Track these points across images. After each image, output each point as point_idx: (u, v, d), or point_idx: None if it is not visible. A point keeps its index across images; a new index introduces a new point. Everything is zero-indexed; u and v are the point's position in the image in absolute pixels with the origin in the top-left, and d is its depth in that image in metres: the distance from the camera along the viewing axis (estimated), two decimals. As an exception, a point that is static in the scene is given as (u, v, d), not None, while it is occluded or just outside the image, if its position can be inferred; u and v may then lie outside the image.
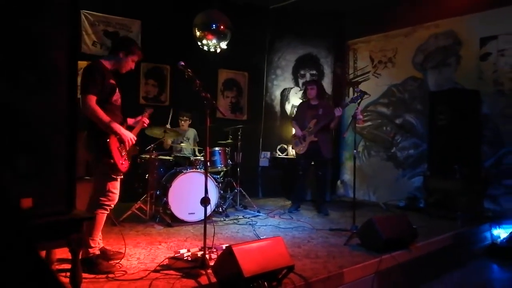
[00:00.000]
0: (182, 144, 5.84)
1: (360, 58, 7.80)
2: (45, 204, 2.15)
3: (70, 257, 2.37)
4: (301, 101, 7.67)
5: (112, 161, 3.09)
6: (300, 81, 7.84)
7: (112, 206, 3.26)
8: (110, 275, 2.94)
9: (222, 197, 5.60)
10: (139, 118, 3.66)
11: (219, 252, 3.06)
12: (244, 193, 6.02)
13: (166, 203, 4.76)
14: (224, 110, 6.93)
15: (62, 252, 2.81)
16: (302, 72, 7.85)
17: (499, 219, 5.35)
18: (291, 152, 7.37)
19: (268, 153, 7.51)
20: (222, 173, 5.91)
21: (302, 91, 7.74)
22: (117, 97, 3.29)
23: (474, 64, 6.07)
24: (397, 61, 7.17)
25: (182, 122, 6.04)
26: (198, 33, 5.86)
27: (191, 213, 4.80)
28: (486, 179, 5.74)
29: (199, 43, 5.93)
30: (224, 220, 5.12)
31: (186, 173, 4.87)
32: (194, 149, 6.03)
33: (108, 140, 3.09)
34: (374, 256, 3.59)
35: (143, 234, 4.27)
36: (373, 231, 3.76)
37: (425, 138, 6.56)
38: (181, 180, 4.81)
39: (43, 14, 2.15)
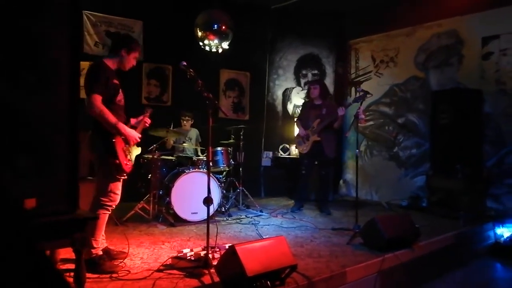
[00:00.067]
0: (184, 144, 5.85)
1: (362, 58, 7.80)
2: (47, 203, 2.15)
3: (73, 257, 2.38)
4: (303, 100, 7.69)
5: (117, 161, 3.10)
6: (302, 81, 7.85)
7: (114, 206, 3.26)
8: (114, 275, 2.95)
9: (224, 197, 5.60)
10: (140, 118, 3.66)
11: (222, 252, 3.07)
12: (246, 192, 6.02)
13: (169, 203, 4.77)
14: (226, 110, 6.93)
15: (66, 252, 2.81)
16: (304, 72, 7.85)
17: (502, 218, 5.34)
18: (293, 151, 7.37)
19: (270, 153, 7.51)
20: (224, 173, 5.92)
21: (304, 91, 7.76)
22: (120, 97, 3.29)
23: (476, 64, 6.06)
24: (399, 61, 7.16)
25: (184, 122, 6.04)
26: (199, 33, 5.87)
27: (194, 213, 4.81)
28: (488, 178, 5.74)
29: (200, 43, 5.94)
30: (227, 219, 5.12)
31: (188, 173, 4.88)
32: (196, 149, 6.04)
33: (114, 140, 3.09)
34: (377, 256, 3.58)
35: (146, 233, 4.28)
36: (376, 230, 3.76)
37: (427, 137, 6.55)
38: (183, 180, 4.82)
39: (43, 14, 2.15)
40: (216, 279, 2.80)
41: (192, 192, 4.77)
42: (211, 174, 3.86)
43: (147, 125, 3.71)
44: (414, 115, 6.89)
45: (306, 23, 7.59)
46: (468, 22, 6.16)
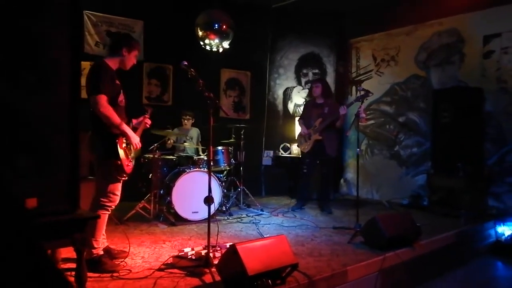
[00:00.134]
0: (185, 143, 5.85)
1: (363, 57, 7.79)
2: (48, 203, 2.16)
3: (75, 256, 2.38)
4: (303, 100, 7.70)
5: (119, 162, 3.09)
6: (303, 80, 7.84)
7: (113, 207, 3.26)
8: (115, 274, 2.95)
9: (225, 196, 5.61)
10: (141, 118, 3.65)
11: (223, 251, 3.07)
12: (247, 191, 6.03)
13: (170, 202, 4.77)
14: (227, 110, 6.93)
15: (67, 252, 2.82)
16: (304, 71, 7.85)
17: (503, 217, 5.33)
18: (294, 150, 7.37)
19: (271, 152, 7.51)
20: (225, 172, 5.92)
21: (304, 90, 7.77)
22: (122, 98, 3.29)
23: (478, 62, 6.05)
24: (400, 59, 7.15)
25: (185, 121, 6.05)
26: (200, 33, 5.86)
27: (194, 212, 4.82)
28: (489, 177, 5.73)
29: (201, 43, 5.94)
30: (228, 218, 5.13)
31: (189, 172, 4.89)
32: (197, 148, 6.04)
33: (116, 141, 3.09)
34: (378, 254, 3.58)
35: (147, 233, 4.29)
36: (377, 229, 3.76)
37: (428, 136, 6.55)
38: (184, 179, 4.83)
39: (43, 14, 2.15)
40: (217, 278, 2.81)
41: (193, 192, 4.78)
42: (212, 173, 3.86)
43: (148, 125, 3.71)
44: (415, 113, 6.88)
45: (307, 22, 7.59)
46: (470, 20, 6.15)
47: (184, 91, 6.55)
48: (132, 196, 4.91)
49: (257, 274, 2.56)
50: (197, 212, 4.81)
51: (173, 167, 5.39)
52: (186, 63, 3.36)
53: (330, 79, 7.72)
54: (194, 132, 6.17)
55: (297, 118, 6.94)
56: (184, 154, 5.89)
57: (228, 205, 5.54)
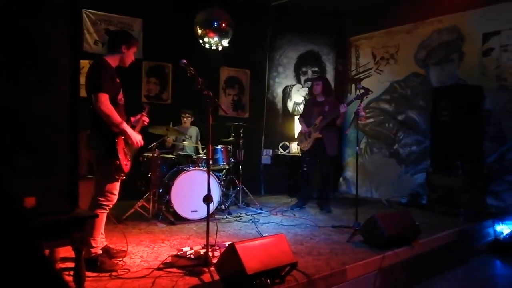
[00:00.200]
0: (184, 142, 5.85)
1: (362, 55, 7.78)
2: (47, 203, 2.16)
3: (73, 256, 2.38)
4: (303, 98, 7.70)
5: (118, 162, 3.09)
6: (302, 78, 7.84)
7: (111, 206, 3.26)
8: (114, 273, 2.95)
9: (224, 195, 5.61)
10: (138, 116, 3.63)
11: (222, 250, 3.07)
12: (246, 190, 6.02)
13: (169, 201, 4.77)
14: (226, 108, 6.92)
15: (66, 251, 2.81)
16: (304, 69, 7.84)
17: (502, 215, 5.33)
18: (293, 149, 7.37)
19: (270, 151, 7.51)
20: (224, 171, 5.92)
21: (304, 89, 7.76)
22: (121, 96, 3.29)
23: (477, 60, 6.05)
24: (399, 58, 7.15)
25: (185, 119, 6.04)
26: (199, 31, 5.85)
27: (193, 211, 4.82)
28: (488, 175, 5.73)
29: (200, 41, 5.93)
30: (227, 217, 5.13)
31: (188, 171, 4.88)
32: (196, 147, 6.03)
33: (116, 140, 3.09)
34: (377, 253, 3.59)
35: (146, 232, 4.29)
36: (376, 228, 3.76)
37: (427, 134, 6.55)
38: (183, 178, 4.82)
39: (43, 14, 2.15)
40: (216, 277, 2.81)
41: (192, 190, 4.77)
42: (211, 172, 3.86)
43: (146, 123, 3.70)
44: (415, 112, 6.88)
45: (306, 20, 7.58)
46: (469, 18, 6.15)
47: (183, 89, 6.54)
48: (131, 195, 4.91)
49: (256, 273, 2.56)
50: (196, 211, 4.82)
51: (172, 166, 5.39)
52: (185, 61, 3.35)
53: (329, 77, 7.70)
54: (193, 130, 6.17)
55: (296, 117, 6.94)
56: (183, 153, 5.89)
57: (227, 204, 5.54)
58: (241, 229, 4.57)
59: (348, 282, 3.23)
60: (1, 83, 2.03)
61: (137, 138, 3.29)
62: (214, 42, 5.89)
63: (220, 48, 6.02)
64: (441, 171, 5.77)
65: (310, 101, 6.06)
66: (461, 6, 6.19)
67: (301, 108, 7.56)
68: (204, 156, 5.43)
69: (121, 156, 3.11)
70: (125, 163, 3.18)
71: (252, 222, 4.92)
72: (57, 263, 2.87)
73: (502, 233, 5.15)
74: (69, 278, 2.46)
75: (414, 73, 6.90)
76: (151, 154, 5.07)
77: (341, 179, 7.93)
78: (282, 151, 7.48)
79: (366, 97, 4.81)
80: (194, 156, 5.54)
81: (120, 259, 3.26)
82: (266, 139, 7.61)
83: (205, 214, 3.41)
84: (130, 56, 3.34)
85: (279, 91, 7.81)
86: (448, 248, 4.38)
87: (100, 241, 3.21)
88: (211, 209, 3.69)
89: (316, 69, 7.82)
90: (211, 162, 4.87)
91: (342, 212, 5.66)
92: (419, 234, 4.08)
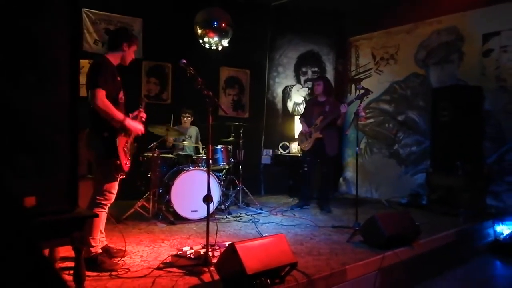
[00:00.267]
0: (184, 142, 5.85)
1: (362, 55, 7.78)
2: (47, 202, 2.16)
3: (73, 255, 2.38)
4: (303, 98, 7.70)
5: (118, 161, 3.09)
6: (302, 79, 7.84)
7: (109, 205, 3.26)
8: (113, 273, 2.95)
9: (224, 195, 5.61)
10: (136, 113, 3.60)
11: (222, 250, 3.07)
12: (246, 190, 6.02)
13: (169, 201, 4.77)
14: (226, 108, 6.92)
15: (65, 250, 2.81)
16: (304, 69, 7.84)
17: (502, 216, 5.34)
18: (293, 149, 7.37)
19: (270, 151, 7.51)
20: (224, 171, 5.92)
21: (304, 88, 7.76)
22: (121, 95, 3.29)
23: (477, 60, 6.05)
24: (399, 58, 7.15)
25: (185, 119, 6.04)
26: (199, 31, 5.85)
27: (193, 211, 4.82)
28: (488, 176, 5.73)
29: (200, 41, 5.92)
30: (227, 217, 5.13)
31: (188, 171, 4.88)
32: (196, 147, 6.03)
33: (116, 140, 3.08)
34: (377, 253, 3.58)
35: (146, 232, 4.29)
36: (376, 228, 3.76)
37: (427, 134, 6.55)
38: (183, 178, 4.82)
39: (43, 14, 2.15)
40: (216, 277, 2.81)
41: (192, 190, 4.77)
42: (211, 172, 3.86)
43: (143, 119, 3.68)
44: (414, 112, 6.88)
45: (306, 20, 7.58)
46: (469, 18, 6.15)
47: (183, 89, 6.54)
48: (131, 194, 4.91)
49: (256, 273, 2.56)
50: (196, 211, 4.82)
51: (172, 165, 5.39)
52: (184, 61, 3.35)
53: (329, 77, 7.68)
54: (193, 130, 6.17)
55: (296, 117, 6.94)
56: (183, 153, 5.89)
57: (227, 204, 5.54)
58: (241, 229, 4.57)
59: (348, 282, 3.23)
60: (1, 83, 2.02)
61: (139, 127, 3.30)
62: (214, 42, 5.89)
63: (220, 48, 6.02)
64: (441, 171, 5.77)
65: (310, 101, 6.07)
66: (461, 7, 6.19)
67: (301, 108, 7.57)
68: (204, 156, 5.43)
69: (121, 155, 3.11)
70: (125, 163, 3.18)
71: (252, 222, 4.92)
72: (57, 263, 2.87)
73: (502, 233, 5.16)
74: (69, 277, 2.46)
75: (414, 73, 6.90)
76: (151, 154, 5.07)
77: (341, 179, 7.93)
78: (282, 151, 7.48)
79: (366, 98, 4.81)
80: (194, 156, 5.54)
81: (120, 258, 3.25)
82: (266, 139, 7.61)
83: (205, 214, 3.41)
84: (130, 54, 3.34)
85: (279, 91, 7.80)
86: (448, 248, 4.38)
87: (99, 240, 3.21)
88: (211, 209, 3.69)
89: (316, 69, 7.82)
90: (211, 162, 4.87)
91: (342, 212, 5.66)
92: (419, 234, 4.08)
